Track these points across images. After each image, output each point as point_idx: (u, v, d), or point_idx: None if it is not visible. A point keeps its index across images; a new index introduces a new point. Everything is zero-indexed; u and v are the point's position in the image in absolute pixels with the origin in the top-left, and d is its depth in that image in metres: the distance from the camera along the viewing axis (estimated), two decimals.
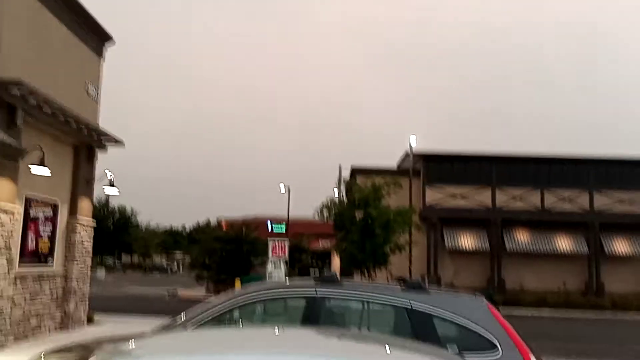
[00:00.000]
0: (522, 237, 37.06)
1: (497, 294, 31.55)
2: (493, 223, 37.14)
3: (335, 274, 6.06)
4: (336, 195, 47.39)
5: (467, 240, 37.18)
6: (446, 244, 36.83)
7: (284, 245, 27.15)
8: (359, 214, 26.09)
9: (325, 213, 27.92)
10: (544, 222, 36.80)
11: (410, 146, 35.49)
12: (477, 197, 37.34)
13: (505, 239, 37.28)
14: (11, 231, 12.77)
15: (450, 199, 37.22)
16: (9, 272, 12.71)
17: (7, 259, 12.60)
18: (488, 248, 36.98)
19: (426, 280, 31.74)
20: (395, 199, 28.53)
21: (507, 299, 30.81)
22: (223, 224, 53.47)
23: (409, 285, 5.76)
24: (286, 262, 27.41)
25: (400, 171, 38.38)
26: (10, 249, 12.73)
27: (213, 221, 68.80)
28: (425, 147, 37.52)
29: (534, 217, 36.86)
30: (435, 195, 37.20)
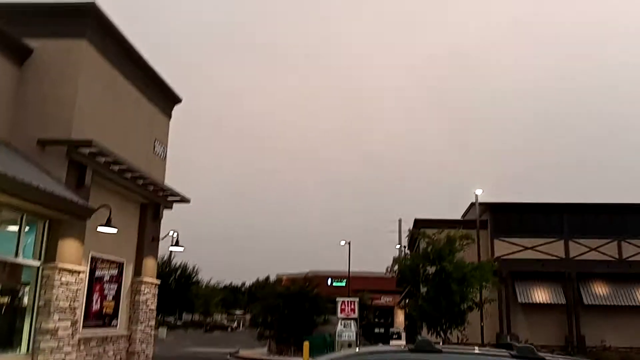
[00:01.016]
0: (600, 290, 35.01)
1: (578, 352, 29.58)
2: (568, 276, 35.30)
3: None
4: (399, 248, 46.26)
5: (541, 294, 35.38)
6: (519, 298, 35.13)
7: (354, 305, 26.31)
8: (431, 269, 24.99)
9: (396, 268, 26.91)
10: (623, 274, 34.73)
11: (476, 197, 34.50)
12: (549, 249, 35.70)
13: (582, 292, 35.30)
14: (76, 292, 12.67)
15: (521, 251, 35.71)
16: (73, 335, 12.53)
17: (71, 322, 12.44)
18: (564, 302, 35.04)
19: (510, 339, 30.10)
20: (462, 252, 27.35)
21: (589, 357, 28.81)
22: (283, 280, 53.03)
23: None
24: (357, 322, 26.51)
25: (466, 222, 37.21)
26: (74, 310, 12.59)
27: (273, 278, 68.42)
28: (491, 198, 36.41)
29: (612, 269, 34.86)
30: (504, 248, 35.81)
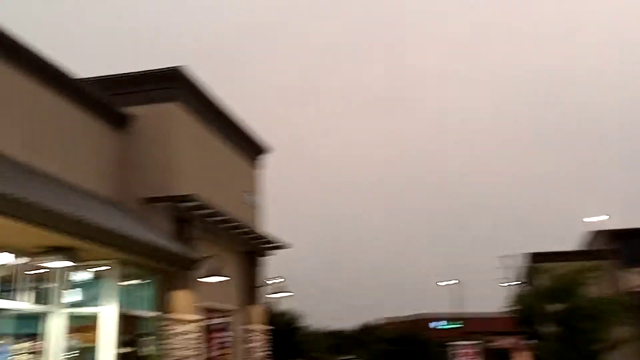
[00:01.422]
0: None
1: None
2: None
3: None
4: (512, 285, 44.42)
5: None
6: None
7: (474, 350, 25.26)
8: (556, 306, 23.22)
9: (515, 307, 25.49)
10: None
11: (597, 225, 32.58)
12: None
13: None
14: (192, 341, 13.31)
15: None
16: None
17: None
18: None
19: None
20: (589, 287, 25.30)
21: None
22: (390, 323, 52.44)
23: None
24: None
25: (587, 253, 34.86)
26: (191, 359, 13.21)
27: (379, 321, 67.57)
28: (613, 225, 34.15)
29: None
30: (634, 279, 33.33)
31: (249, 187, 18.34)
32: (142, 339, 12.63)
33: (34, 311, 10.85)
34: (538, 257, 34.44)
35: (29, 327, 10.81)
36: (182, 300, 13.20)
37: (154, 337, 12.65)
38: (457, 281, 55.53)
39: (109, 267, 11.37)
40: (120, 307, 11.55)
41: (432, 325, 60.95)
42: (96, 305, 11.49)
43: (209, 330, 14.84)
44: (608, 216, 32.59)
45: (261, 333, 17.51)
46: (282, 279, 18.04)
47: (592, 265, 23.79)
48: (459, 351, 25.40)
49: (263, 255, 18.29)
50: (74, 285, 11.58)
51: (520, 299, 26.00)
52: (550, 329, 23.74)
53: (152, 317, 12.74)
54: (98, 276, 11.61)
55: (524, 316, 25.47)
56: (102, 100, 13.48)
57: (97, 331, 11.26)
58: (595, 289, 24.74)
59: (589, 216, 32.99)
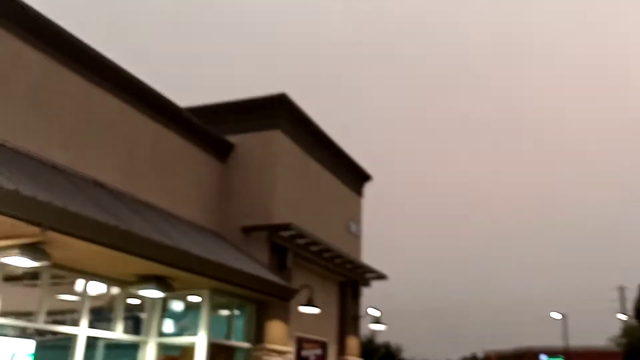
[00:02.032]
0: None
1: None
2: None
3: None
4: (622, 318, 41.35)
5: None
6: None
7: None
8: None
9: (624, 340, 23.86)
10: None
11: None
12: None
13: None
14: None
15: None
16: None
17: None
18: None
19: None
20: None
21: None
22: (492, 357, 49.97)
23: None
24: None
25: None
26: None
27: (480, 354, 64.80)
28: None
29: None
30: None
31: (350, 216, 17.86)
32: None
33: (129, 341, 10.82)
34: None
35: (123, 357, 10.80)
36: (277, 330, 12.86)
37: None
38: (564, 314, 52.22)
39: (203, 297, 11.18)
40: (213, 336, 11.31)
41: (541, 359, 57.52)
42: (189, 335, 11.31)
43: None
44: None
45: None
46: (379, 311, 17.33)
47: None
48: None
49: (362, 285, 17.69)
50: (168, 314, 11.50)
51: (630, 331, 24.15)
52: None
53: (245, 348, 12.41)
54: (192, 306, 11.46)
55: (634, 350, 23.63)
56: (203, 128, 13.50)
57: None
58: None
59: None
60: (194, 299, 11.38)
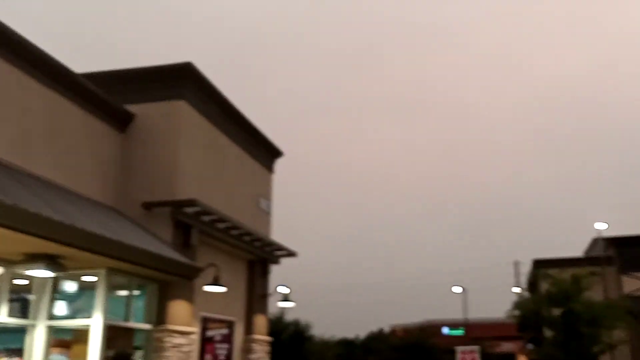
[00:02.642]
0: None
1: None
2: None
3: None
4: (518, 292, 43.49)
5: None
6: None
7: (475, 354, 24.60)
8: (556, 311, 22.94)
9: (517, 312, 25.00)
10: None
11: (599, 232, 31.82)
12: None
13: None
14: (188, 353, 12.29)
15: None
16: None
17: None
18: None
19: None
20: (588, 292, 25.00)
21: None
22: (397, 331, 51.28)
23: None
24: None
25: (589, 260, 34.48)
26: None
27: (386, 329, 66.42)
28: (616, 233, 33.54)
29: None
30: (634, 284, 32.66)
31: (260, 192, 17.23)
32: (134, 352, 11.58)
33: (15, 325, 9.82)
34: (541, 264, 34.23)
35: (11, 342, 9.81)
36: (180, 310, 12.19)
37: (147, 350, 11.56)
38: (463, 288, 54.42)
39: (99, 277, 10.33)
40: (110, 318, 10.51)
41: (443, 331, 59.78)
42: (83, 317, 10.43)
43: (207, 342, 13.76)
44: (607, 224, 31.90)
45: (264, 344, 16.41)
46: (288, 289, 16.97)
47: (592, 271, 23.63)
48: (459, 356, 24.69)
49: (270, 263, 17.21)
50: (60, 296, 10.55)
51: (522, 304, 25.56)
52: (550, 333, 23.41)
53: (146, 329, 11.66)
54: (87, 286, 10.58)
55: (526, 321, 25.07)
56: (102, 97, 12.41)
57: (83, 345, 10.18)
58: (596, 294, 24.66)
59: (594, 223, 32.07)
60: (89, 279, 10.49)
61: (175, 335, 11.89)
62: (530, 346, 37.45)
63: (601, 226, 31.82)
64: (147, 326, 11.71)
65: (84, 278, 10.56)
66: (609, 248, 33.74)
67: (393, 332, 54.37)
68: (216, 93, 14.43)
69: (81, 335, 10.37)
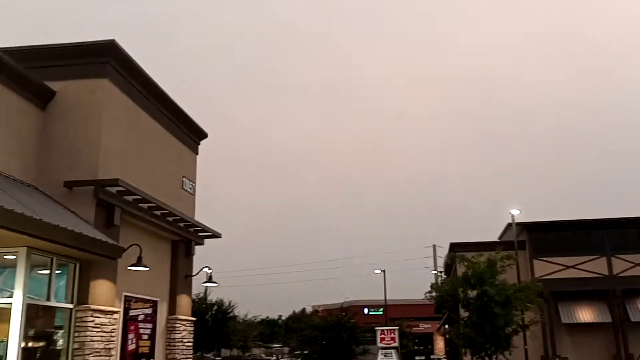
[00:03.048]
0: None
1: None
2: (612, 293, 34.01)
3: None
4: (435, 274, 45.32)
5: (585, 314, 34.14)
6: (562, 319, 33.92)
7: (394, 333, 25.63)
8: (472, 293, 24.13)
9: (434, 294, 26.09)
10: None
11: (513, 217, 33.61)
12: (592, 267, 34.54)
13: (628, 309, 33.92)
14: (111, 333, 12.36)
15: (562, 271, 34.58)
16: None
17: None
18: (610, 320, 33.74)
19: None
20: (502, 275, 26.38)
21: None
22: (319, 311, 52.31)
23: None
24: (398, 351, 25.74)
25: (503, 244, 36.22)
26: (110, 352, 12.26)
27: (309, 309, 67.58)
28: (529, 217, 35.50)
29: None
30: (544, 268, 34.73)
31: (184, 173, 17.27)
32: (54, 332, 11.56)
33: None
34: (458, 247, 35.52)
35: None
36: (102, 289, 12.22)
37: (68, 329, 11.56)
38: (384, 270, 56.13)
39: (19, 255, 10.24)
40: (31, 297, 10.45)
41: (364, 312, 61.51)
42: (4, 296, 10.35)
43: (129, 321, 13.84)
44: (520, 211, 33.68)
45: (187, 323, 16.62)
46: (210, 269, 17.19)
47: (505, 255, 24.98)
48: (379, 335, 25.73)
49: (193, 244, 17.34)
50: None
51: (439, 286, 26.75)
52: (465, 314, 24.62)
53: (68, 308, 11.65)
54: (7, 265, 10.47)
55: (443, 302, 26.25)
56: (21, 72, 12.10)
57: (3, 325, 10.12)
58: (509, 277, 25.98)
59: (509, 210, 33.77)
60: (9, 257, 10.37)
61: (98, 314, 11.91)
62: (446, 327, 39.27)
63: (515, 212, 33.58)
64: (68, 305, 11.66)
65: (4, 257, 10.45)
66: (522, 233, 35.60)
67: (315, 312, 55.40)
68: (140, 72, 14.31)
69: (1, 314, 10.29)
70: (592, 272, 34.20)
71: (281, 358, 69.90)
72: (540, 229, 35.70)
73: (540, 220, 35.94)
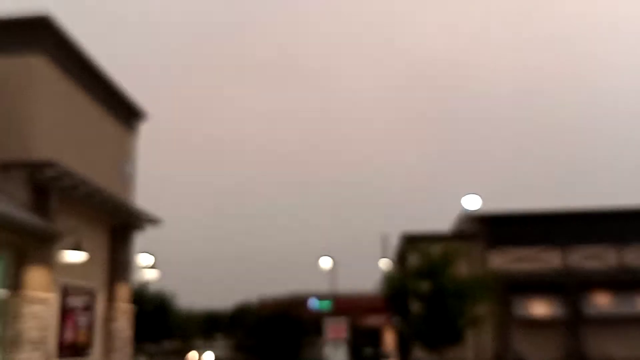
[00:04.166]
0: (601, 301, 35.28)
1: None
2: (566, 287, 35.53)
3: None
4: (386, 265, 46.32)
5: (539, 307, 35.57)
6: (516, 312, 35.32)
7: (343, 326, 26.42)
8: (423, 285, 24.82)
9: (387, 285, 26.74)
10: (626, 282, 35.03)
11: (466, 209, 34.68)
12: (546, 259, 35.90)
13: (582, 303, 35.55)
14: (47, 321, 12.69)
15: (516, 263, 35.88)
16: None
17: (43, 353, 12.47)
18: (563, 315, 35.25)
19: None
20: (455, 267, 27.24)
21: None
22: (265, 303, 52.88)
23: None
24: (346, 343, 26.58)
25: (456, 236, 37.33)
26: (45, 342, 12.62)
27: (254, 300, 68.13)
28: (484, 208, 36.58)
29: (613, 278, 35.14)
30: (499, 260, 35.94)
31: (122, 156, 17.52)
32: None
33: None
34: (410, 238, 36.06)
35: None
36: (38, 276, 12.53)
37: (3, 318, 11.87)
38: (332, 259, 57.02)
39: None
40: None
41: (309, 303, 62.32)
42: None
43: (66, 310, 14.20)
44: (475, 201, 34.71)
45: (126, 313, 17.02)
46: (152, 257, 17.61)
47: (459, 247, 25.54)
48: (328, 327, 26.47)
49: (133, 230, 17.67)
50: None
51: (390, 278, 27.26)
52: (417, 307, 25.20)
53: (1, 297, 11.94)
54: None
55: (394, 295, 26.75)
56: None
57: None
58: (463, 269, 26.61)
59: (464, 199, 34.82)
60: None
61: (33, 302, 12.26)
62: (396, 320, 40.36)
63: (468, 202, 34.56)
64: (2, 292, 11.99)
65: None
66: (476, 224, 36.69)
67: (261, 303, 56.02)
68: (77, 49, 14.53)
69: None
70: (547, 265, 35.64)
71: (224, 350, 70.35)
72: (496, 220, 36.65)
73: (495, 211, 37.00)
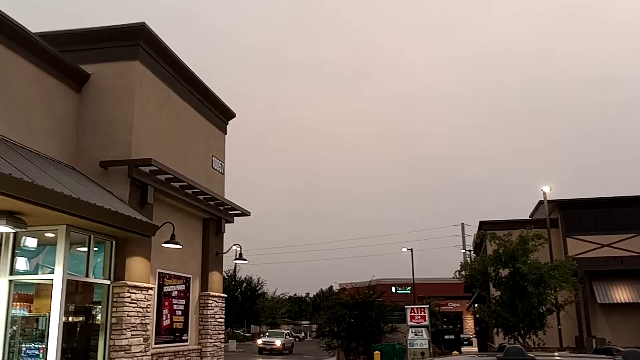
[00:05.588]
0: None
1: None
2: None
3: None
4: (464, 252, 45.23)
5: (621, 293, 33.95)
6: (597, 299, 33.81)
7: (424, 312, 25.94)
8: (503, 271, 24.11)
9: (465, 272, 26.07)
10: None
11: (545, 195, 33.41)
12: (628, 245, 34.23)
13: None
14: (146, 308, 12.96)
15: (596, 249, 34.35)
16: (145, 351, 12.80)
17: (143, 337, 12.73)
18: None
19: (596, 343, 28.86)
20: (535, 253, 26.23)
21: None
22: (347, 289, 52.87)
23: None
24: (428, 329, 26.06)
25: (535, 222, 35.98)
26: (146, 326, 12.87)
27: (336, 287, 68.31)
28: (562, 194, 35.26)
29: None
30: (578, 246, 34.51)
31: (214, 153, 17.78)
32: (93, 307, 12.18)
33: None
34: (488, 225, 35.26)
35: None
36: (138, 266, 12.79)
37: (106, 304, 12.18)
38: (411, 248, 56.46)
39: (59, 233, 10.80)
40: (70, 274, 11.04)
41: (392, 290, 61.96)
42: (44, 273, 10.94)
43: (164, 297, 14.45)
44: (550, 187, 33.39)
45: (219, 300, 17.21)
46: (240, 246, 17.68)
47: (537, 233, 24.61)
48: (409, 314, 26.01)
49: (224, 222, 17.87)
50: (21, 251, 11.01)
51: (469, 265, 26.59)
52: (496, 293, 24.52)
53: (105, 284, 12.25)
54: (48, 242, 11.05)
55: (474, 281, 26.11)
56: (57, 56, 12.64)
57: (44, 300, 10.73)
58: (542, 255, 25.68)
59: (541, 187, 33.59)
60: (49, 235, 10.96)
61: (134, 290, 12.52)
62: (475, 306, 39.40)
63: (546, 189, 33.36)
64: (106, 282, 12.30)
65: (46, 234, 11.04)
66: (555, 211, 35.42)
67: (342, 290, 56.00)
68: (170, 54, 14.79)
69: (43, 290, 10.90)
70: (628, 250, 33.97)
71: (309, 335, 70.91)
72: (574, 207, 35.42)
73: (573, 198, 35.70)
